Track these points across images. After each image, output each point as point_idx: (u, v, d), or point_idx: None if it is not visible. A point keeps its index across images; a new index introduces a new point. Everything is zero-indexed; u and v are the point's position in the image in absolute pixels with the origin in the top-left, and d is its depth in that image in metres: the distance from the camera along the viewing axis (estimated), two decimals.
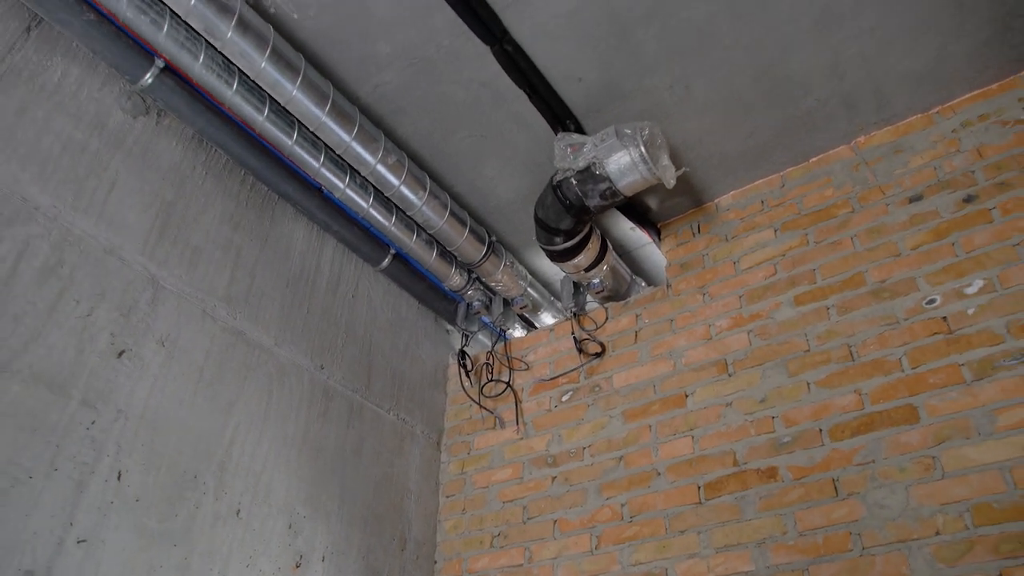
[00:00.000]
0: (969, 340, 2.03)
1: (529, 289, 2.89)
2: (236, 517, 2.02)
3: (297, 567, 2.14)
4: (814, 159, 2.61)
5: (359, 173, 2.39)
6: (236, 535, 2.00)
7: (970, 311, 2.07)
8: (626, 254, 2.98)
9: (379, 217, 2.51)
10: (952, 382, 2.01)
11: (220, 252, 2.26)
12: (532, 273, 3.05)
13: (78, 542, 1.66)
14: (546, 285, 3.09)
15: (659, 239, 2.83)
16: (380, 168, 2.33)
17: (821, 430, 2.15)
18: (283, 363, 2.35)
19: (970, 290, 2.10)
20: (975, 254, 2.14)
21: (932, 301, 2.14)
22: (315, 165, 2.33)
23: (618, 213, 2.74)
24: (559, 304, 3.00)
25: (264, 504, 2.12)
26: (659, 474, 2.37)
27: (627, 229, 2.84)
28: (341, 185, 2.41)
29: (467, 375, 2.94)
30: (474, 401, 2.90)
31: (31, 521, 1.59)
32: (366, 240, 2.66)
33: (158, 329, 2.00)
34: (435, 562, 2.65)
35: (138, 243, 2.03)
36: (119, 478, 1.79)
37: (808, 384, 2.24)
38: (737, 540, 2.12)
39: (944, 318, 2.10)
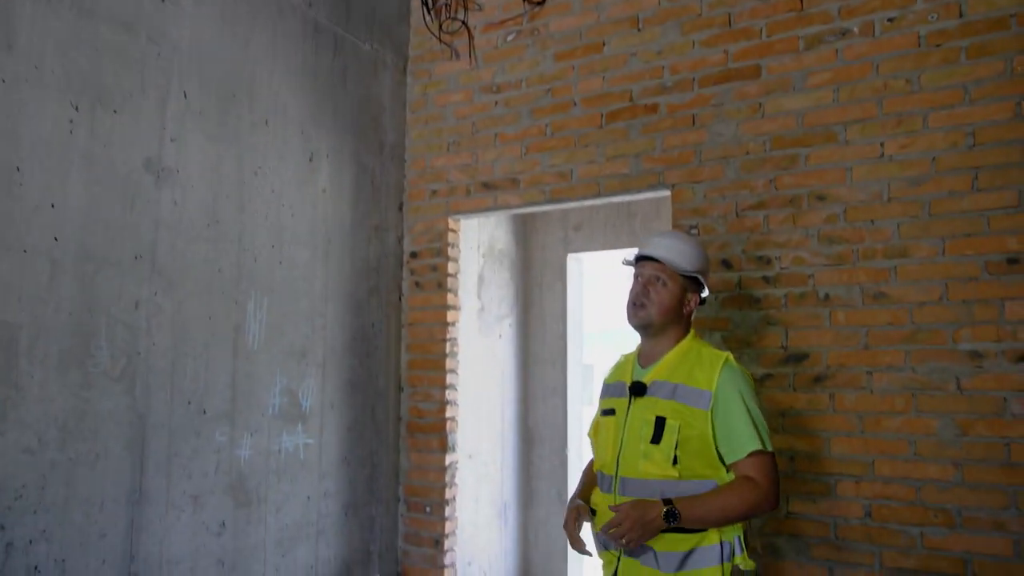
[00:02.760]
0: (811, 19, 2.83)
1: None
2: (265, 125, 2.90)
3: (311, 160, 3.11)
4: None
5: None
6: (268, 138, 2.90)
7: None
8: None
9: None
10: (789, 50, 2.87)
11: None
12: None
13: (171, 140, 2.53)
14: None
15: None
16: None
17: (694, 79, 3.04)
18: (281, 3, 2.95)
19: None
20: None
21: None
22: None
23: None
24: None
25: (283, 117, 2.97)
26: (575, 104, 3.29)
27: None
28: None
29: (429, 11, 3.58)
30: (434, 35, 3.60)
31: (142, 127, 2.42)
32: None
33: None
34: (405, 161, 3.69)
35: None
36: (185, 96, 2.58)
37: (694, 42, 3.05)
38: (622, 152, 3.17)
39: None
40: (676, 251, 2.03)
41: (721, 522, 1.83)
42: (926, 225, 2.60)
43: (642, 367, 2.04)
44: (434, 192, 3.60)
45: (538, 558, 4.57)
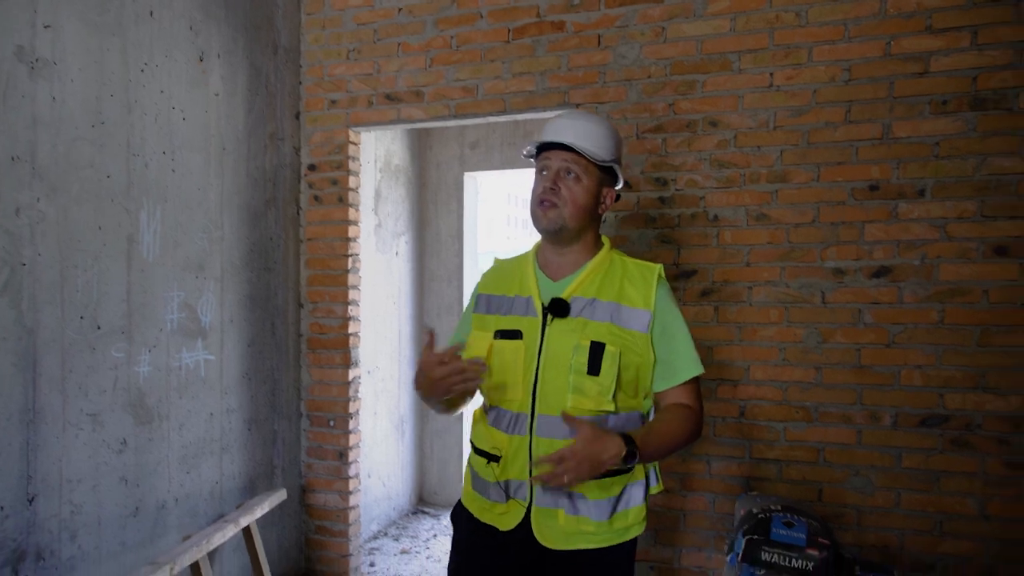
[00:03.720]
0: None
1: None
2: (151, 17, 2.67)
3: (201, 60, 2.92)
4: None
5: None
6: (154, 31, 2.68)
7: None
8: None
9: None
10: None
11: None
12: None
13: (44, 27, 2.29)
14: None
15: None
16: None
17: None
18: None
19: None
20: None
21: None
22: None
23: None
24: None
25: (169, 8, 2.75)
26: (482, 17, 3.27)
27: None
28: None
29: None
30: None
31: (10, 8, 2.17)
32: None
33: None
34: (300, 67, 3.53)
35: None
36: None
37: None
38: (528, 69, 3.22)
39: None
40: (590, 136, 1.65)
41: (662, 458, 1.62)
42: (804, 152, 2.88)
43: (552, 279, 1.69)
44: (333, 102, 3.49)
45: (434, 468, 4.78)
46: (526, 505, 1.62)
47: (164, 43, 2.72)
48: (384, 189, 4.24)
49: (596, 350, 1.57)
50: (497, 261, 1.86)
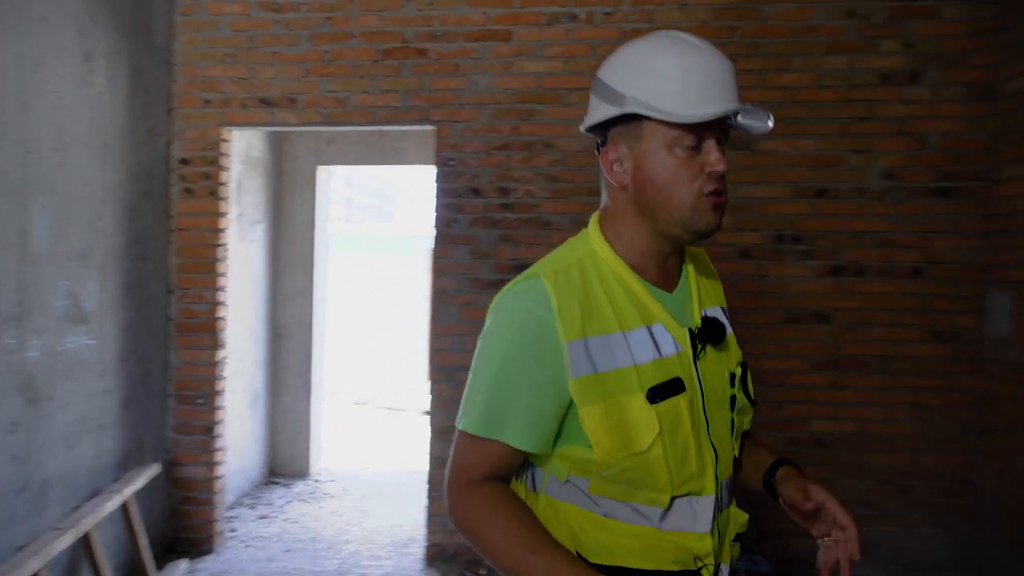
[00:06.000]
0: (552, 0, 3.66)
1: None
2: (44, 22, 2.85)
3: (87, 60, 3.10)
4: None
5: None
6: (47, 36, 2.86)
7: None
8: None
9: None
10: (535, 23, 3.67)
11: None
12: None
13: None
14: None
15: None
16: None
17: (459, 32, 3.70)
18: None
19: None
20: None
21: None
22: None
23: None
24: None
25: (60, 13, 2.93)
26: (354, 36, 3.73)
27: None
28: None
29: None
30: None
31: None
32: None
33: None
34: (174, 65, 3.75)
35: None
36: None
37: (461, 2, 3.68)
38: (394, 87, 3.73)
39: None
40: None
41: None
42: None
43: (666, 289, 1.13)
44: (207, 101, 3.76)
45: (284, 442, 5.16)
46: None
47: (55, 46, 2.90)
48: (245, 180, 4.52)
49: (744, 373, 1.19)
50: (548, 274, 1.07)
